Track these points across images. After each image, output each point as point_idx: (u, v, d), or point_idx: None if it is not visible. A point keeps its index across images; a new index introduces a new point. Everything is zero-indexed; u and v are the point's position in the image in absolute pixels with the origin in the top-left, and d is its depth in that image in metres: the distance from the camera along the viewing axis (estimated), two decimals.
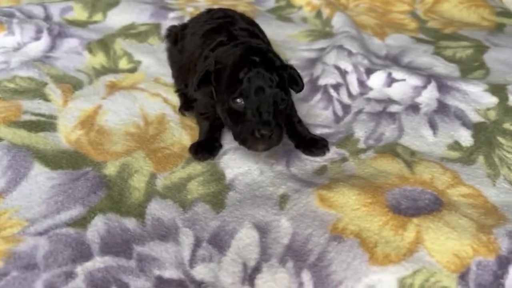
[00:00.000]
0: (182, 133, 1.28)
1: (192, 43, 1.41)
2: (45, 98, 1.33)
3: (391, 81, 1.54)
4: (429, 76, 1.57)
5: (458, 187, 1.13)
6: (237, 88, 1.03)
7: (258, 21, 1.78)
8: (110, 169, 1.11)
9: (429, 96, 1.50)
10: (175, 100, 1.43)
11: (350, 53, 1.60)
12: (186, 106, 1.38)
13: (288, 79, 1.11)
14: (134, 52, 1.64)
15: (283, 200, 1.06)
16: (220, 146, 1.22)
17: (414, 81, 1.54)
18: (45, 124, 1.24)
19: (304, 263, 0.93)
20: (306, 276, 0.91)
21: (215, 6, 1.91)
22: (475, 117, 1.44)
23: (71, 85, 1.41)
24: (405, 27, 1.96)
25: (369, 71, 1.56)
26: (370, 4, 2.10)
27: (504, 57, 1.77)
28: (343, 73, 1.53)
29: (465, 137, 1.34)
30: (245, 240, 0.97)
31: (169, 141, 1.24)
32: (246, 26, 1.42)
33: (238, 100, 1.05)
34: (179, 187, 1.10)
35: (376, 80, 1.54)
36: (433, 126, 1.38)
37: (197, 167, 1.17)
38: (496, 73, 1.67)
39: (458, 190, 1.12)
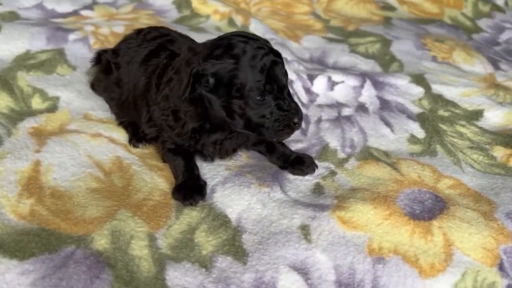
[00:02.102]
0: (153, 175, 1.10)
1: (131, 74, 1.21)
2: None
3: (332, 84, 1.56)
4: (362, 75, 1.63)
5: (442, 180, 1.19)
6: (260, 84, 0.97)
7: None
8: (101, 242, 0.89)
9: (369, 95, 1.56)
10: (122, 136, 1.22)
11: (287, 61, 1.57)
12: (138, 137, 1.20)
13: None
14: (45, 87, 1.36)
15: (305, 232, 0.98)
16: (205, 183, 1.08)
17: (352, 81, 1.58)
18: None
19: None
20: None
21: (111, 22, 1.71)
22: (414, 108, 1.53)
23: None
24: (312, 28, 2.00)
25: (311, 77, 1.55)
26: (271, 7, 2.09)
27: (407, 48, 1.92)
28: (289, 83, 1.49)
29: (417, 130, 1.42)
30: (291, 287, 0.87)
31: (145, 189, 1.05)
32: (184, 41, 1.28)
33: (258, 98, 0.98)
34: (187, 243, 0.94)
35: (319, 85, 1.54)
36: (387, 124, 1.43)
37: (192, 213, 1.01)
38: (408, 64, 1.81)
39: (443, 183, 1.18)
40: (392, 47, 1.91)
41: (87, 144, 1.17)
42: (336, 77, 1.58)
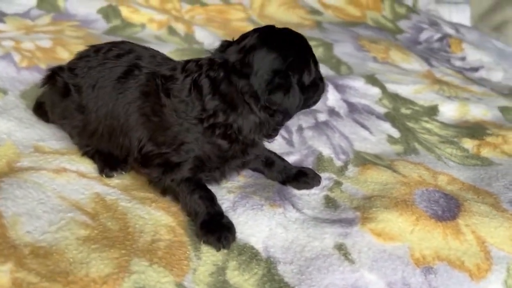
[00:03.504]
0: (149, 210, 0.92)
1: (100, 100, 1.00)
2: None
3: None
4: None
5: (438, 176, 1.18)
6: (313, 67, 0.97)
7: None
8: None
9: (335, 98, 1.52)
10: (92, 167, 1.02)
11: None
12: (111, 165, 1.02)
13: None
14: None
15: (343, 251, 0.88)
16: (230, 221, 0.91)
17: None
18: None
19: None
20: None
21: (31, 35, 1.46)
22: (379, 109, 1.53)
23: None
24: None
25: None
26: (205, 14, 1.96)
27: (348, 50, 1.94)
28: None
29: (390, 129, 1.42)
30: None
31: (149, 229, 0.87)
32: (152, 53, 1.10)
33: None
34: (225, 285, 0.78)
35: None
36: (363, 126, 1.40)
37: (212, 250, 0.86)
38: (355, 66, 1.81)
39: (441, 179, 1.17)
40: (335, 50, 1.90)
41: (53, 183, 0.94)
42: None
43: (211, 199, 0.91)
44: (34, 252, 0.77)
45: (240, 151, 0.95)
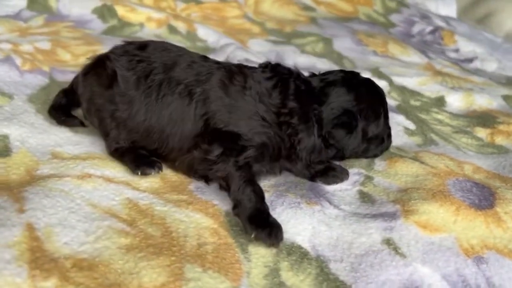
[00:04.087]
0: (187, 213, 0.87)
1: (156, 92, 0.98)
2: None
3: None
4: None
5: (464, 166, 1.18)
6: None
7: (105, 47, 1.38)
8: None
9: None
10: (117, 171, 0.96)
11: None
12: (147, 163, 0.97)
13: None
14: None
15: (393, 246, 0.86)
16: (276, 220, 0.87)
17: None
18: None
19: None
20: None
21: (27, 38, 1.40)
22: (390, 101, 1.51)
23: None
24: (251, 32, 1.88)
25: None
26: (201, 12, 1.91)
27: (347, 45, 1.93)
28: None
29: (405, 121, 1.41)
30: None
31: (192, 232, 0.82)
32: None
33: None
34: (281, 286, 0.75)
35: None
36: None
37: (260, 251, 0.82)
38: (357, 60, 1.81)
39: (467, 169, 1.17)
40: (335, 45, 1.89)
41: (79, 190, 0.88)
42: None
43: (262, 195, 0.88)
44: (77, 265, 0.71)
45: (294, 157, 0.97)
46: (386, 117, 1.06)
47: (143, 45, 1.04)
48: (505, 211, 0.97)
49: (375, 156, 1.11)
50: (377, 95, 1.05)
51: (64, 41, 1.42)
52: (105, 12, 1.67)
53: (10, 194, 0.83)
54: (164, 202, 0.89)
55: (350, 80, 1.02)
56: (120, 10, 1.68)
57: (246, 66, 1.03)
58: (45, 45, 1.37)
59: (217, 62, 1.03)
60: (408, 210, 0.94)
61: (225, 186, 0.90)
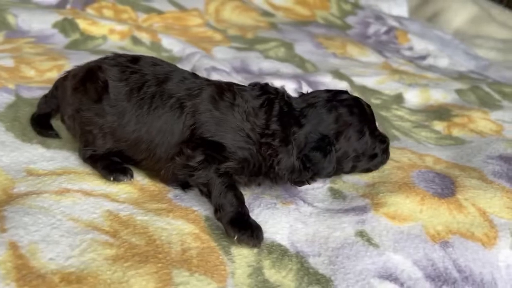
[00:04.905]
0: (168, 220, 0.90)
1: (147, 104, 0.99)
2: None
3: None
4: (295, 77, 1.62)
5: (425, 158, 1.25)
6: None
7: (71, 61, 1.40)
8: None
9: None
10: (94, 184, 0.98)
11: (227, 73, 1.46)
12: (120, 169, 1.00)
13: None
14: None
15: (366, 237, 0.91)
16: (255, 221, 0.91)
17: (290, 84, 1.56)
18: None
19: (454, 284, 0.85)
20: None
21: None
22: None
23: None
24: (214, 39, 1.91)
25: None
26: (163, 22, 1.93)
27: (308, 48, 2.00)
28: None
29: None
30: None
31: (175, 239, 0.85)
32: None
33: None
34: (266, 286, 0.79)
35: None
36: None
37: (242, 252, 0.86)
38: (318, 63, 1.88)
39: (428, 161, 1.24)
40: (296, 49, 1.95)
41: (59, 205, 0.89)
42: (276, 82, 1.52)
43: (242, 199, 0.91)
44: (65, 279, 0.72)
45: (274, 175, 1.00)
46: (374, 134, 1.07)
47: (135, 59, 1.06)
48: (465, 197, 1.05)
49: (368, 170, 1.12)
50: (360, 114, 1.03)
51: (27, 57, 1.41)
52: (66, 26, 1.66)
53: None
54: (145, 211, 0.91)
55: (330, 101, 1.02)
56: (82, 24, 1.68)
57: (235, 84, 1.05)
58: (8, 62, 1.35)
59: (207, 80, 1.06)
60: (377, 203, 1.00)
61: (206, 192, 0.93)
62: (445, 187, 1.08)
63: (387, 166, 1.16)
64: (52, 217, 0.85)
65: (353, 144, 1.02)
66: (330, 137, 0.98)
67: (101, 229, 0.85)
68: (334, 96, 1.05)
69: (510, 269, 0.90)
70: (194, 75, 1.08)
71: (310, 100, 1.03)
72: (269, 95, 1.02)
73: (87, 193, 0.94)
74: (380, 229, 0.93)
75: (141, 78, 1.02)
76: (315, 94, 1.07)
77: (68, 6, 1.87)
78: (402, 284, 0.83)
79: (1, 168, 0.98)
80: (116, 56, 1.09)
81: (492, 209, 1.02)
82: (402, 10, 2.77)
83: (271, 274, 0.81)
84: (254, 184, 1.02)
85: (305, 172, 0.98)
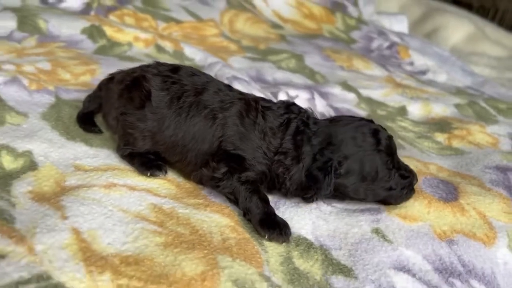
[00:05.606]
0: (206, 214, 1.00)
1: (185, 112, 1.10)
2: None
3: (290, 99, 1.62)
4: (308, 88, 1.74)
5: (429, 166, 1.38)
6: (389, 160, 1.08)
7: (102, 66, 1.50)
8: None
9: (322, 105, 1.68)
10: (138, 180, 1.08)
11: (247, 82, 1.58)
12: (156, 166, 1.11)
13: None
14: (8, 141, 1.09)
15: (381, 234, 1.03)
16: (282, 218, 1.02)
17: (303, 94, 1.67)
18: None
19: (460, 276, 0.97)
20: (476, 283, 0.96)
21: (25, 58, 1.48)
22: (360, 111, 1.71)
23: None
24: (230, 49, 2.03)
25: (274, 95, 1.59)
26: (182, 31, 2.04)
27: (316, 61, 2.11)
28: None
29: None
30: (407, 285, 0.92)
31: (215, 230, 0.95)
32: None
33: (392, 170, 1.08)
34: (297, 273, 0.90)
35: None
36: None
37: (273, 244, 0.96)
38: (327, 75, 1.99)
39: (432, 168, 1.36)
40: (306, 61, 2.07)
41: (108, 198, 0.99)
42: (291, 92, 1.65)
43: (267, 200, 1.02)
44: (124, 261, 0.83)
45: (285, 191, 1.08)
46: (389, 165, 1.07)
47: (175, 68, 1.17)
48: (467, 202, 1.17)
49: (386, 203, 1.11)
50: (374, 143, 1.05)
51: (62, 61, 1.51)
52: (94, 32, 1.76)
53: (49, 203, 0.93)
54: (184, 205, 1.02)
55: (347, 125, 1.07)
56: (109, 31, 1.78)
57: (263, 100, 1.14)
58: (46, 66, 1.45)
59: (240, 93, 1.15)
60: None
61: (234, 199, 1.04)
62: (449, 192, 1.20)
63: None
64: (104, 208, 0.95)
65: (360, 171, 1.04)
66: (334, 160, 1.02)
67: (148, 219, 0.95)
68: (353, 121, 1.10)
69: (507, 265, 1.02)
70: (228, 86, 1.18)
71: (329, 123, 1.10)
72: (290, 115, 1.10)
73: (132, 188, 1.05)
74: (393, 227, 1.05)
75: (181, 88, 1.12)
76: (339, 117, 1.13)
77: (92, 13, 1.97)
78: (414, 275, 0.94)
79: (51, 163, 1.08)
80: (158, 64, 1.19)
81: (491, 213, 1.14)
82: (402, 27, 2.91)
83: (300, 263, 0.92)
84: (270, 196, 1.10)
85: (310, 188, 1.04)
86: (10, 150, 1.07)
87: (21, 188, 0.96)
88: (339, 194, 1.08)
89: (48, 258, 0.79)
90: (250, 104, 1.11)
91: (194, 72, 1.17)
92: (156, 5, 2.13)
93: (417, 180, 1.12)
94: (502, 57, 3.01)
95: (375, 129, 1.08)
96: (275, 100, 1.22)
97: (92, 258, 0.82)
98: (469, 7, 3.91)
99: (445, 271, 0.97)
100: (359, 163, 1.04)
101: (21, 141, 1.10)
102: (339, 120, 1.11)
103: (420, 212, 1.11)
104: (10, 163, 1.04)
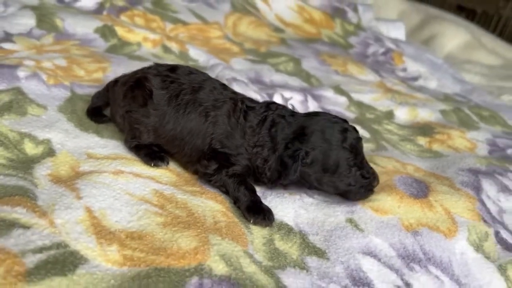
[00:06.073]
0: (202, 200, 1.14)
1: (183, 109, 1.24)
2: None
3: (285, 100, 1.76)
4: (302, 90, 1.88)
5: (407, 166, 1.51)
6: (351, 158, 1.18)
7: (112, 64, 1.65)
8: (219, 268, 0.93)
9: (314, 107, 1.82)
10: (142, 169, 1.22)
11: (245, 84, 1.71)
12: (159, 157, 1.25)
13: None
14: (30, 130, 1.24)
15: (354, 224, 1.17)
16: (267, 206, 1.16)
17: (298, 96, 1.81)
18: (64, 259, 0.87)
19: (419, 262, 1.11)
20: (433, 269, 1.10)
21: (44, 55, 1.63)
22: (350, 114, 1.85)
23: (25, 197, 0.99)
24: (232, 51, 2.16)
25: (270, 96, 1.73)
26: (188, 33, 2.18)
27: (313, 65, 2.25)
28: None
29: (361, 131, 1.73)
30: (372, 267, 1.06)
31: (208, 214, 1.10)
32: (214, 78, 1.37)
33: (353, 167, 1.19)
34: (277, 252, 1.04)
35: (278, 102, 1.72)
36: None
37: (257, 227, 1.11)
38: (322, 79, 2.13)
39: (409, 169, 1.50)
40: (303, 64, 2.21)
41: (117, 183, 1.14)
42: (286, 93, 1.79)
43: (253, 190, 1.16)
44: (129, 236, 0.97)
45: (267, 181, 1.21)
46: (350, 163, 1.17)
47: (173, 68, 1.31)
48: (435, 199, 1.30)
49: (345, 196, 1.23)
50: (341, 140, 1.16)
51: (76, 58, 1.65)
52: (106, 32, 1.91)
53: (65, 185, 1.08)
54: (183, 192, 1.16)
55: (321, 121, 1.19)
56: (120, 31, 1.92)
57: (249, 101, 1.27)
58: (62, 62, 1.60)
59: (233, 92, 1.29)
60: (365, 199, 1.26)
61: (225, 191, 1.18)
62: (420, 190, 1.34)
63: (376, 170, 1.42)
64: (113, 191, 1.10)
65: (323, 163, 1.16)
66: (302, 149, 1.14)
67: (151, 202, 1.10)
68: (327, 117, 1.21)
69: (463, 255, 1.16)
70: (223, 85, 1.32)
71: (305, 116, 1.23)
72: (268, 112, 1.23)
73: (137, 175, 1.19)
74: (365, 218, 1.19)
75: (179, 87, 1.26)
76: (316, 112, 1.26)
77: (105, 12, 2.11)
78: (379, 260, 1.09)
79: (67, 151, 1.23)
80: (157, 65, 1.33)
81: (455, 210, 1.28)
82: (399, 33, 3.03)
83: (280, 244, 1.07)
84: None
85: (284, 172, 1.16)
86: (32, 138, 1.21)
87: (41, 171, 1.11)
88: (305, 182, 1.21)
89: (66, 230, 0.94)
90: (237, 104, 1.24)
91: (191, 71, 1.31)
92: (165, 7, 2.27)
93: (378, 182, 1.23)
94: (495, 65, 3.14)
95: (345, 128, 1.19)
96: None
97: (102, 232, 0.96)
98: (472, 13, 4.03)
99: (408, 257, 1.11)
100: (323, 155, 1.16)
101: (41, 130, 1.25)
102: (316, 115, 1.23)
103: (392, 206, 1.24)
104: (32, 150, 1.18)
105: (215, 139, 1.20)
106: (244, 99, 1.28)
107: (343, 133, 1.18)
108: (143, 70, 1.33)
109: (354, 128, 1.23)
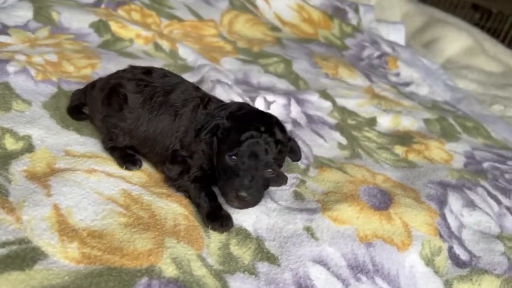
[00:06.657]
0: (166, 202, 1.21)
1: (155, 111, 1.30)
2: None
3: (268, 104, 1.82)
4: (286, 94, 1.92)
5: (376, 176, 1.56)
6: (236, 147, 1.16)
7: (103, 60, 1.71)
8: (169, 270, 1.00)
9: (296, 111, 1.86)
10: (115, 168, 1.29)
11: (229, 86, 1.77)
12: (131, 160, 1.31)
13: (288, 150, 1.26)
14: (12, 126, 1.31)
15: (310, 232, 1.23)
16: (227, 212, 1.22)
17: (281, 100, 1.86)
18: (24, 254, 0.95)
19: (367, 273, 1.16)
20: (380, 281, 1.15)
21: (36, 49, 1.69)
22: (331, 120, 1.90)
23: None
24: (224, 50, 2.21)
25: (252, 99, 1.78)
26: (182, 29, 2.23)
27: (303, 67, 2.29)
28: None
29: (340, 137, 1.78)
30: (320, 276, 1.12)
31: (170, 216, 1.17)
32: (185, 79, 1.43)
33: (233, 157, 1.16)
34: (230, 257, 1.11)
35: (259, 105, 1.78)
36: (319, 135, 1.76)
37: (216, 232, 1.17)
38: (310, 82, 2.17)
39: (378, 179, 1.55)
40: (294, 66, 2.25)
41: (88, 181, 1.21)
42: (269, 97, 1.84)
43: (214, 196, 1.22)
44: (90, 234, 1.05)
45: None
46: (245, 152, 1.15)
47: (148, 70, 1.37)
48: (396, 212, 1.36)
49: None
50: (246, 127, 1.17)
51: (68, 53, 1.72)
52: (100, 26, 1.97)
53: (39, 182, 1.15)
54: (150, 193, 1.23)
55: (236, 111, 1.25)
56: (114, 26, 1.98)
57: (212, 101, 1.31)
58: (53, 57, 1.66)
59: (204, 94, 1.34)
60: (326, 208, 1.31)
61: (188, 196, 1.25)
62: (383, 201, 1.39)
63: (342, 179, 1.47)
64: (83, 190, 1.17)
65: (222, 144, 1.19)
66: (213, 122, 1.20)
67: (117, 202, 1.17)
68: (239, 107, 1.27)
69: (412, 268, 1.21)
70: (195, 87, 1.37)
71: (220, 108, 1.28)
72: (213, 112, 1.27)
73: (109, 174, 1.26)
74: (323, 227, 1.25)
75: (152, 90, 1.32)
76: (242, 105, 1.31)
77: (103, 6, 2.17)
78: (328, 268, 1.15)
79: (46, 147, 1.30)
80: (132, 68, 1.39)
81: (413, 224, 1.33)
82: (399, 36, 3.04)
83: (235, 249, 1.13)
84: None
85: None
86: (13, 134, 1.29)
87: (17, 167, 1.19)
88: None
89: (31, 226, 1.02)
90: (199, 105, 1.29)
91: (166, 74, 1.37)
92: (162, 2, 2.32)
93: (243, 197, 1.13)
94: (495, 72, 3.14)
95: (257, 127, 1.17)
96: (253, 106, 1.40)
97: (66, 230, 1.04)
98: (488, 12, 4.00)
99: (356, 268, 1.17)
100: (226, 138, 1.19)
101: (23, 126, 1.32)
102: (225, 104, 1.31)
103: (351, 216, 1.30)
104: (11, 145, 1.26)
105: (178, 137, 1.26)
106: (212, 98, 1.33)
107: (255, 131, 1.16)
108: (118, 74, 1.39)
109: (270, 132, 1.18)
